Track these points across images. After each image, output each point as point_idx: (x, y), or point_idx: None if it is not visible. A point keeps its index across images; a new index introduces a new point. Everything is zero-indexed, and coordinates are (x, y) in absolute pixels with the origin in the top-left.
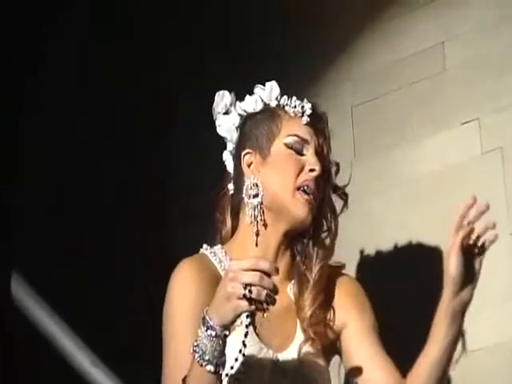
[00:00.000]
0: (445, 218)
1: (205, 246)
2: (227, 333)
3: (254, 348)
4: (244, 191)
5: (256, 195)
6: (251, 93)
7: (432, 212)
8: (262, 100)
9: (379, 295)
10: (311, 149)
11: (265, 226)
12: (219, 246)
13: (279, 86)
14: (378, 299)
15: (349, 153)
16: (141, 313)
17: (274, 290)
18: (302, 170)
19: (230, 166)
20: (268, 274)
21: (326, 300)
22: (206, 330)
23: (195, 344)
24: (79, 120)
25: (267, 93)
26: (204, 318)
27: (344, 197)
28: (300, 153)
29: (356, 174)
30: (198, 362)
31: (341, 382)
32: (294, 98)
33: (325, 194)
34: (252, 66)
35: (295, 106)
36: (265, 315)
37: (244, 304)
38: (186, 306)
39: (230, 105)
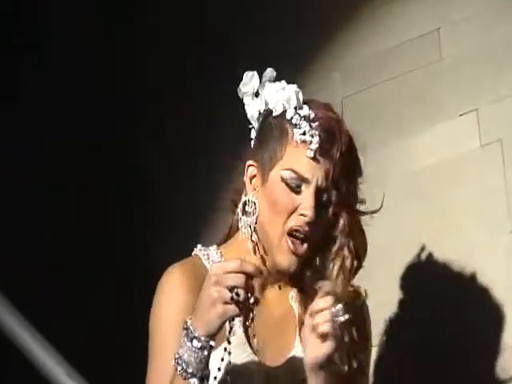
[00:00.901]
0: (443, 213)
1: (199, 246)
2: (213, 343)
3: (246, 360)
4: (240, 206)
5: (252, 213)
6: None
7: (430, 206)
8: (282, 103)
9: (376, 293)
10: (311, 187)
11: (265, 252)
12: (215, 246)
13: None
14: (376, 297)
15: None
16: (120, 323)
17: (256, 298)
18: (295, 209)
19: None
20: (251, 277)
21: None
22: (191, 342)
23: (177, 356)
24: (78, 118)
25: (286, 99)
26: (187, 329)
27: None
28: (296, 189)
29: None
30: (182, 375)
31: None
32: (305, 122)
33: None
34: (240, 57)
35: (304, 133)
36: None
37: (231, 308)
38: (175, 315)
39: (259, 87)
